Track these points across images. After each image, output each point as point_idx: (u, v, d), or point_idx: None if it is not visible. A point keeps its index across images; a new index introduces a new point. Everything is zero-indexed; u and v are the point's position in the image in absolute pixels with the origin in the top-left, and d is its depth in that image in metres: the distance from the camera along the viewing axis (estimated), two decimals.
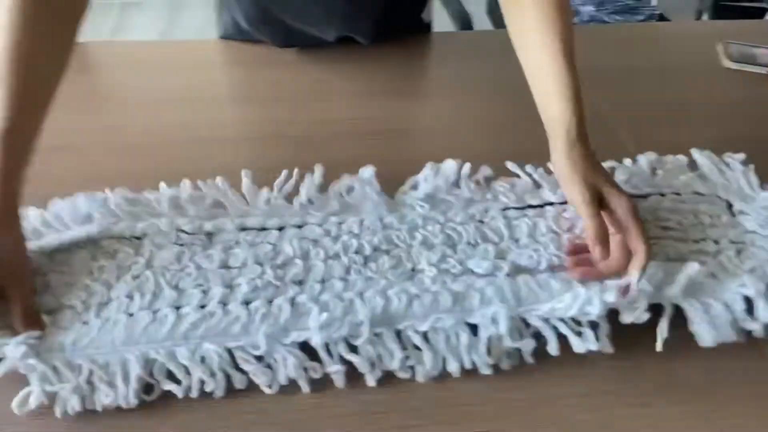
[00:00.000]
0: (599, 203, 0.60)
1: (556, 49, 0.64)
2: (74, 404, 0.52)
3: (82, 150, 0.79)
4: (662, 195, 0.70)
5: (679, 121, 0.87)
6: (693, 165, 0.73)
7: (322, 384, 0.54)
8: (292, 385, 0.54)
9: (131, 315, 0.56)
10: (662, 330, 0.56)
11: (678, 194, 0.70)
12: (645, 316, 0.56)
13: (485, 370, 0.55)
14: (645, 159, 0.74)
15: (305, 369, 0.54)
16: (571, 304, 0.56)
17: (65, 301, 0.58)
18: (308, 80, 0.93)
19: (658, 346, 0.56)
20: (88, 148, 0.79)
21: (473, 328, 0.57)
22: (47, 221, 0.64)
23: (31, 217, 0.64)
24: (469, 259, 0.62)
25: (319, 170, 0.69)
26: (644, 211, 0.66)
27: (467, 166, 0.71)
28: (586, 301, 0.56)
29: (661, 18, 2.00)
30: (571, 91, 0.63)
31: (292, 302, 0.57)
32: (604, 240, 0.58)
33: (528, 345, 0.56)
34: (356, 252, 0.62)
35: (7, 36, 0.54)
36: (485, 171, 0.70)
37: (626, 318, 0.57)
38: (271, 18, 0.94)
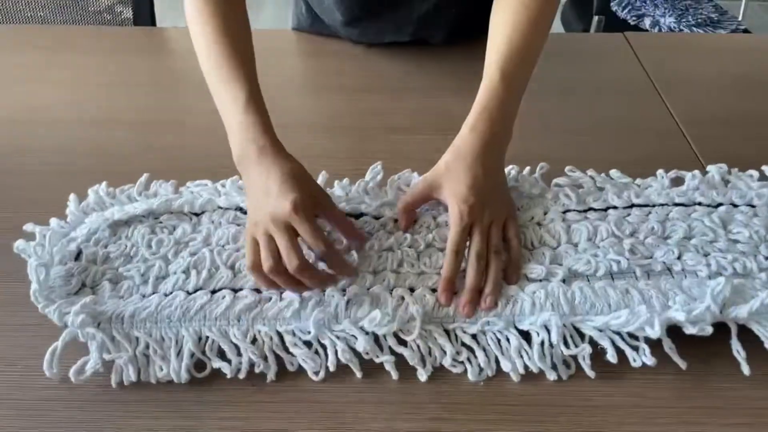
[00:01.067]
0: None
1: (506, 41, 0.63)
2: (130, 374, 0.53)
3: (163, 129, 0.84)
4: (735, 206, 0.66)
5: (753, 135, 0.84)
6: (765, 179, 0.70)
7: (367, 373, 0.54)
8: (338, 372, 0.54)
9: (188, 293, 0.58)
10: (738, 351, 0.54)
11: (752, 206, 0.66)
12: (709, 330, 0.54)
13: (550, 375, 0.54)
14: (716, 169, 0.71)
15: (355, 355, 0.54)
16: (628, 320, 0.54)
17: (124, 272, 0.60)
18: (374, 74, 0.95)
19: (745, 370, 0.53)
20: (166, 127, 0.85)
21: (525, 333, 0.56)
22: (112, 193, 0.67)
23: (98, 189, 0.67)
24: (526, 264, 0.60)
25: (378, 165, 0.70)
26: (714, 222, 0.63)
27: (527, 169, 0.70)
28: (646, 321, 0.54)
29: (746, 32, 1.92)
30: (494, 101, 0.62)
31: (344, 291, 0.58)
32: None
33: (585, 351, 0.54)
34: (409, 246, 0.62)
35: (220, 39, 0.64)
36: (543, 168, 0.69)
37: (689, 330, 0.54)
38: (353, 18, 0.95)
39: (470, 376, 0.54)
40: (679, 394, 0.53)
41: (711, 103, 0.91)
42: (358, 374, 0.54)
